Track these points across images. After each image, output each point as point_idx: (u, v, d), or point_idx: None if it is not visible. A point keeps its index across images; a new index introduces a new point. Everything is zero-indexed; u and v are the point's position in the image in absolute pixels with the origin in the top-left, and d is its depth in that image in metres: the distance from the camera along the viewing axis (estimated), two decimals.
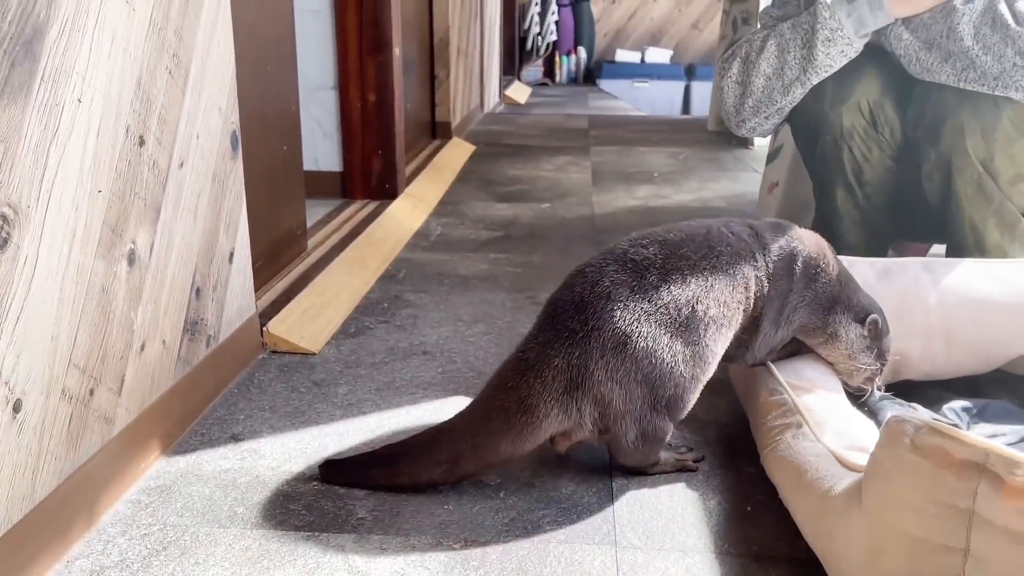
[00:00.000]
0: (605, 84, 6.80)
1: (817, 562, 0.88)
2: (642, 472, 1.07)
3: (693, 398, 1.04)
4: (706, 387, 1.25)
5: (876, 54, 1.43)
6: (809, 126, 1.48)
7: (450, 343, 1.49)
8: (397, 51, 2.34)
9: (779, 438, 1.03)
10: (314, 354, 1.43)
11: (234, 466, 1.09)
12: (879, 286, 1.25)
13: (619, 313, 0.97)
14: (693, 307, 1.00)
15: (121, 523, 0.96)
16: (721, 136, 3.83)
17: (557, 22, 7.06)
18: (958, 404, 1.18)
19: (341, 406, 1.26)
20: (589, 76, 7.16)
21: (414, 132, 3.08)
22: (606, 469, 1.09)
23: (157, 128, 1.06)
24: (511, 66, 6.45)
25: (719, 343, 1.03)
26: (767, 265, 1.07)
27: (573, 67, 7.17)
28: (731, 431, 1.19)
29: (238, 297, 1.34)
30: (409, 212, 2.35)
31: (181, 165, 1.13)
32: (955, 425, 1.15)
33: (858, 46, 1.40)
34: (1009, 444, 1.13)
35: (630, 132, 4.04)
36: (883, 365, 1.15)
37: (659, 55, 7.01)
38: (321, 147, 2.39)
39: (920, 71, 1.36)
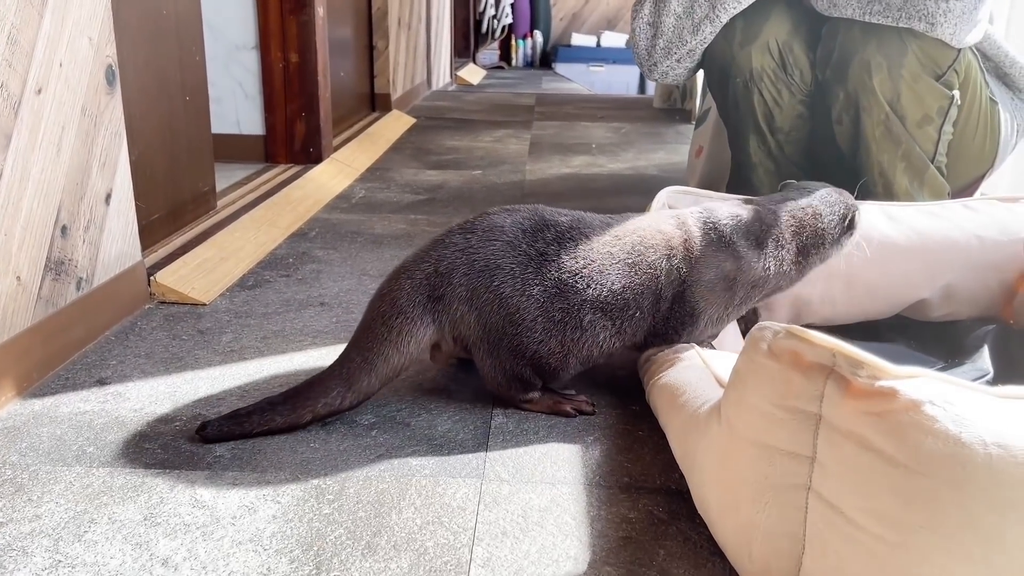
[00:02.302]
0: (561, 68, 6.75)
1: (685, 492, 0.84)
2: (513, 405, 1.03)
3: (563, 368, 0.99)
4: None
5: None
6: (720, 69, 1.45)
7: (351, 295, 1.44)
8: (320, 10, 2.27)
9: (668, 370, 1.00)
10: (204, 305, 1.37)
11: (93, 408, 1.03)
12: None
13: (500, 246, 0.97)
14: (574, 279, 0.97)
15: None
16: (666, 112, 3.81)
17: (513, 5, 7.00)
18: None
19: (222, 353, 1.20)
20: (545, 60, 7.10)
21: (350, 102, 3.02)
22: (487, 409, 1.04)
23: (6, 49, 0.99)
24: (466, 49, 6.38)
25: (598, 325, 0.98)
26: (688, 253, 1.00)
27: (529, 51, 7.12)
28: (623, 374, 1.15)
29: (118, 241, 1.28)
30: (333, 176, 2.29)
31: (39, 92, 1.06)
32: None
33: None
34: None
35: (576, 108, 4.00)
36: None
37: (615, 39, 6.97)
38: (243, 109, 2.31)
39: (827, 6, 1.33)
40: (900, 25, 1.26)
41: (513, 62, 7.04)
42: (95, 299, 1.21)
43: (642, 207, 1.10)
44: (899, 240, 1.23)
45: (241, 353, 1.20)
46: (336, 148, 2.51)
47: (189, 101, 1.68)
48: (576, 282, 0.97)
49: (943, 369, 1.14)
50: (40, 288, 1.09)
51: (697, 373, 0.94)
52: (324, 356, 1.19)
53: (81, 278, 1.18)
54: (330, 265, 1.60)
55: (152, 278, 1.37)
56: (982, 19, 1.27)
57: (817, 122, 1.48)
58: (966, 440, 0.58)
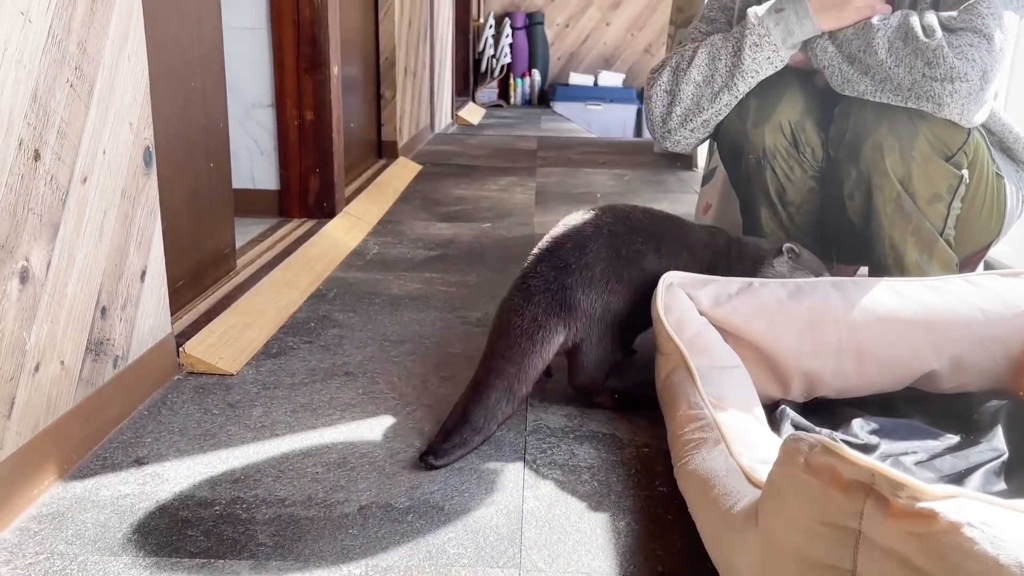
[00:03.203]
0: (559, 106, 6.84)
1: None
2: (595, 397, 1.29)
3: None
4: (628, 407, 1.28)
5: (798, 77, 1.45)
6: (733, 145, 1.50)
7: (374, 363, 1.47)
8: (335, 69, 2.32)
9: (694, 452, 1.03)
10: (232, 375, 1.40)
11: (134, 491, 1.05)
12: (791, 303, 1.26)
13: (603, 252, 1.24)
14: (647, 261, 1.28)
15: (6, 552, 0.92)
16: (666, 158, 3.87)
17: (511, 45, 7.10)
18: (867, 425, 1.19)
19: (254, 428, 1.22)
20: (543, 98, 7.20)
21: (358, 151, 3.06)
22: (518, 491, 1.07)
23: (56, 142, 1.03)
24: (465, 88, 6.47)
25: (646, 254, 1.30)
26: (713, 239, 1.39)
27: (527, 89, 7.21)
28: (648, 452, 1.18)
29: (151, 316, 1.31)
30: (347, 231, 2.33)
31: (84, 180, 1.09)
32: (861, 442, 1.16)
33: (784, 55, 1.42)
34: (919, 462, 1.14)
35: (577, 154, 4.06)
36: None
37: (612, 78, 7.08)
38: (258, 165, 2.36)
39: (841, 82, 1.38)
40: (909, 105, 1.31)
41: (512, 100, 7.14)
42: (130, 375, 1.24)
43: None
44: (905, 314, 1.27)
45: (272, 429, 1.22)
46: (347, 199, 2.56)
47: (213, 168, 1.71)
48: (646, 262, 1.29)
49: (959, 447, 1.17)
50: (81, 370, 1.11)
51: (723, 461, 0.96)
52: (353, 431, 1.21)
53: (117, 356, 1.21)
54: (351, 330, 1.63)
55: (181, 349, 1.39)
56: (988, 99, 1.32)
57: (828, 194, 1.52)
58: (1003, 562, 0.61)
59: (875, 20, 1.33)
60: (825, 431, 1.19)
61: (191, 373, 1.40)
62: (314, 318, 1.69)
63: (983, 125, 1.48)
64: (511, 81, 7.14)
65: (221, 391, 1.34)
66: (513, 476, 1.10)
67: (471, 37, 6.53)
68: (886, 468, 0.67)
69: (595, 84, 7.07)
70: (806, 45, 1.40)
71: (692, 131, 1.49)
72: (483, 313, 1.74)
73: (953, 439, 1.20)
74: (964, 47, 1.25)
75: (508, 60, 7.08)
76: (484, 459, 1.15)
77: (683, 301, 1.28)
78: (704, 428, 1.05)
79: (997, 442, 1.16)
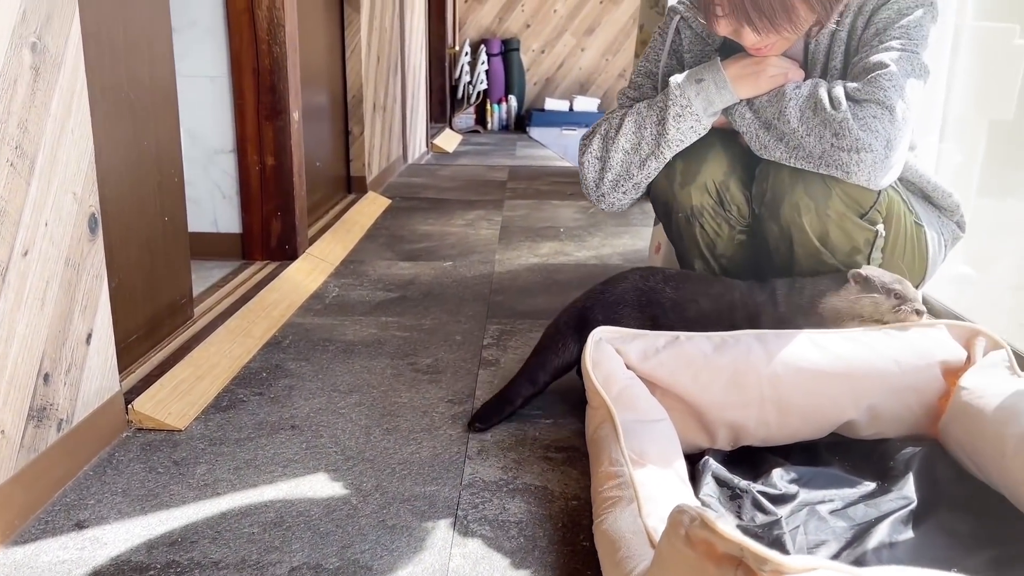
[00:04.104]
0: (535, 132, 6.92)
1: None
2: None
3: None
4: (561, 457, 1.32)
5: (721, 138, 1.51)
6: (663, 204, 1.56)
7: (321, 416, 1.51)
8: (295, 115, 2.38)
9: (609, 511, 1.07)
10: (180, 431, 1.44)
11: (72, 556, 1.09)
12: (715, 357, 1.31)
13: (624, 284, 1.49)
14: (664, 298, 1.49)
15: None
16: None
17: (488, 71, 7.19)
18: (787, 475, 1.24)
19: (196, 487, 1.26)
20: (520, 123, 7.28)
21: (325, 188, 3.11)
22: (446, 549, 1.11)
23: None
24: (443, 115, 6.54)
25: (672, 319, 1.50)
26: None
27: (504, 115, 7.29)
28: (576, 505, 1.23)
29: (97, 378, 1.35)
30: (308, 273, 2.37)
31: (25, 254, 1.14)
32: (780, 492, 1.21)
33: (706, 123, 1.48)
34: (834, 510, 1.20)
35: (546, 184, 4.13)
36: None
37: (587, 103, 7.18)
38: (220, 209, 2.40)
39: (759, 148, 1.44)
40: (820, 171, 1.37)
41: (488, 126, 7.21)
42: (75, 437, 1.27)
43: None
44: (824, 366, 1.32)
45: (214, 487, 1.26)
46: (312, 238, 2.60)
47: (168, 221, 1.76)
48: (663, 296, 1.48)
49: (873, 494, 1.23)
50: (23, 437, 1.15)
51: (632, 522, 1.01)
52: (294, 488, 1.26)
53: (62, 419, 1.25)
54: (302, 380, 1.67)
55: (130, 406, 1.43)
56: (895, 164, 1.38)
57: (758, 244, 1.58)
58: None
59: (788, 88, 1.39)
60: (744, 482, 1.24)
61: (140, 429, 1.44)
62: (267, 368, 1.73)
63: (901, 177, 1.55)
64: (488, 107, 7.22)
65: (168, 448, 1.38)
66: (443, 533, 1.15)
67: (447, 65, 6.61)
68: (753, 544, 0.72)
69: (571, 109, 7.16)
70: (726, 111, 1.47)
71: (624, 193, 1.55)
72: (433, 359, 1.79)
73: (870, 486, 1.25)
74: (868, 119, 1.31)
75: (484, 86, 7.16)
76: (417, 516, 1.19)
77: (611, 356, 1.33)
78: (621, 486, 1.10)
79: (907, 490, 1.21)
